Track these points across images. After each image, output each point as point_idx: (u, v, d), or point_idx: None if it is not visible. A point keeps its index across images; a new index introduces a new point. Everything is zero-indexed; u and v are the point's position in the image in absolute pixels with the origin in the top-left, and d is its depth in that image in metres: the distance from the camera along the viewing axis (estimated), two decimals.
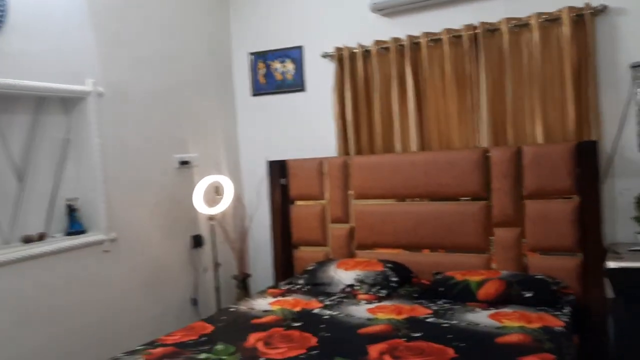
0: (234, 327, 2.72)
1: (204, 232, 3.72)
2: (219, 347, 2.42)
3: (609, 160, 3.05)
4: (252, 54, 4.08)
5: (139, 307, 3.27)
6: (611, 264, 2.64)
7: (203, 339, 2.54)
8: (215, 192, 3.64)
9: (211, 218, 3.60)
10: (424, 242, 3.35)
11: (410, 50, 3.46)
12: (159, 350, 2.41)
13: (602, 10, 3.00)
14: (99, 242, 3.04)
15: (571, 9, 3.01)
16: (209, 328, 2.69)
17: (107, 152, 3.10)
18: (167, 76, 3.56)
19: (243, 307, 3.02)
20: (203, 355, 2.32)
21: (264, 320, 2.75)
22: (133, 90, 3.31)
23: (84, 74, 3.01)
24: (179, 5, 3.71)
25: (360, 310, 2.80)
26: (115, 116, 3.18)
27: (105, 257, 3.08)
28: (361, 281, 3.14)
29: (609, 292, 2.69)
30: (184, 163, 3.61)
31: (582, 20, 3.02)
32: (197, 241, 3.70)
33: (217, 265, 3.60)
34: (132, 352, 2.41)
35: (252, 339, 2.48)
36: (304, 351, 2.29)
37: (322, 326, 2.60)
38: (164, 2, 3.59)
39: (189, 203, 3.54)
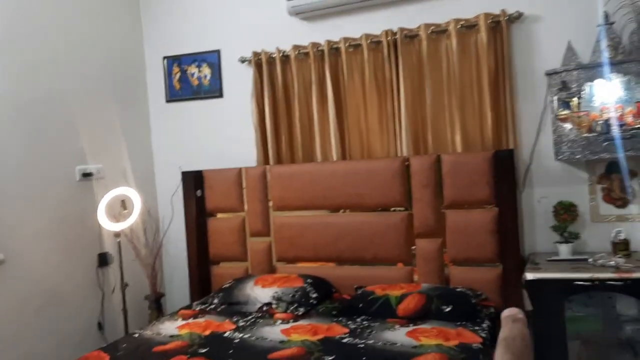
0: (133, 356, 2.47)
1: (111, 249, 3.43)
2: None
3: (526, 169, 3.02)
4: (166, 57, 3.84)
5: (32, 338, 2.93)
6: (529, 276, 2.59)
7: None
8: (122, 206, 3.36)
9: (117, 234, 3.32)
10: (345, 255, 3.22)
11: (329, 55, 3.33)
12: None
13: (517, 17, 2.97)
14: None
15: (487, 15, 2.97)
16: (105, 359, 2.43)
17: None
18: (67, 81, 3.26)
19: (149, 332, 2.77)
20: None
21: (168, 346, 2.51)
22: (23, 99, 2.98)
23: None
24: (82, 3, 3.42)
25: (274, 332, 2.62)
26: (1, 126, 2.86)
27: None
28: (279, 299, 2.96)
29: (527, 304, 2.63)
30: (87, 175, 3.31)
31: (498, 27, 2.98)
32: (103, 260, 3.40)
33: (124, 285, 3.32)
34: None
35: None
36: None
37: (230, 352, 2.39)
38: (65, 0, 3.29)
39: (93, 218, 3.25)
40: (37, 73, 3.08)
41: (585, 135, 2.75)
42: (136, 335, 2.73)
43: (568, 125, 2.80)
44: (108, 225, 3.23)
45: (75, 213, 3.24)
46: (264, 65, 3.48)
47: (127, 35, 3.80)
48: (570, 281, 2.54)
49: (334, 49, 3.34)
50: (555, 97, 2.83)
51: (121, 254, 3.31)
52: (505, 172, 2.84)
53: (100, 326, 3.34)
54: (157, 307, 3.55)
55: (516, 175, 2.93)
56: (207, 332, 2.66)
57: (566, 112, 2.81)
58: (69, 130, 3.27)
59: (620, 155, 2.71)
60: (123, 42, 3.76)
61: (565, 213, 2.88)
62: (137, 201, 3.34)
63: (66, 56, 3.28)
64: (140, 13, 3.90)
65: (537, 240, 3.02)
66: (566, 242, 2.83)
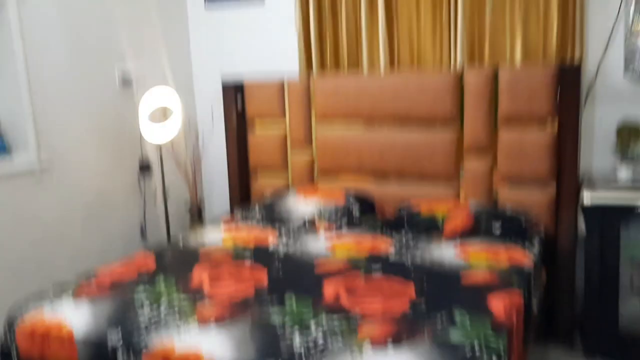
0: (179, 260, 2.49)
1: (152, 156, 3.40)
2: (161, 282, 2.19)
3: (590, 84, 2.81)
4: None
5: (78, 240, 2.99)
6: (586, 197, 2.46)
7: (144, 272, 2.31)
8: (164, 114, 3.29)
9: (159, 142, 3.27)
10: (390, 171, 3.12)
11: None
12: (93, 284, 2.17)
13: None
14: (28, 167, 2.71)
15: None
16: (152, 260, 2.45)
17: (33, 60, 2.71)
18: None
19: (192, 238, 2.78)
20: (141, 292, 2.09)
21: (213, 253, 2.52)
22: None
23: None
24: None
25: (318, 245, 2.59)
26: (42, 22, 2.75)
27: (37, 184, 2.76)
28: (321, 214, 2.92)
29: (582, 228, 2.53)
30: (127, 81, 3.23)
31: None
32: (145, 167, 3.39)
33: (166, 192, 3.32)
34: (61, 287, 2.16)
35: (198, 274, 2.25)
36: (253, 288, 2.08)
37: (275, 261, 2.39)
38: None
39: (134, 124, 3.20)
40: None
41: None
42: (180, 241, 2.75)
43: None
44: (149, 134, 3.16)
45: (116, 119, 3.19)
46: None
47: None
48: (630, 208, 2.41)
49: None
50: (633, 7, 2.57)
51: (162, 161, 3.28)
52: (569, 89, 2.64)
53: (142, 231, 3.39)
54: (197, 215, 3.56)
55: (580, 94, 2.73)
56: (252, 241, 2.66)
57: None
58: (111, 29, 3.15)
59: None
60: None
61: (630, 133, 2.69)
62: (178, 108, 3.25)
63: None
64: None
65: (594, 160, 2.87)
66: (627, 164, 2.67)
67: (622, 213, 2.44)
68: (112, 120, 3.17)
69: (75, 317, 1.90)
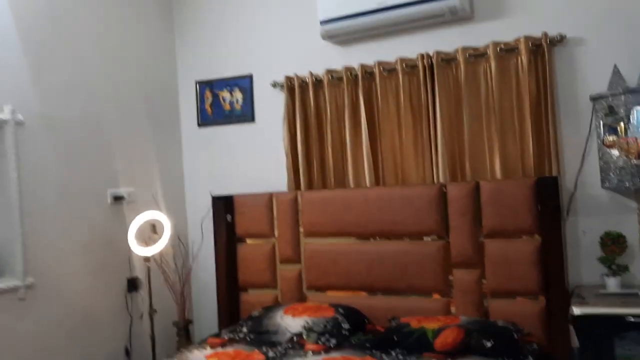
0: None
1: (141, 274, 3.38)
2: None
3: (571, 197, 2.88)
4: (198, 82, 3.84)
5: None
6: (576, 311, 2.43)
7: None
8: (152, 231, 3.32)
9: (147, 259, 3.27)
10: (378, 284, 3.10)
11: (363, 80, 3.28)
12: None
13: (560, 40, 2.88)
14: (13, 289, 2.69)
15: (528, 38, 2.88)
16: None
17: (27, 186, 2.79)
18: (101, 103, 3.29)
19: None
20: None
21: None
22: (60, 119, 3.01)
23: (1, 99, 2.72)
24: (118, 26, 3.46)
25: None
26: (37, 147, 2.88)
27: (21, 306, 2.73)
28: (310, 329, 2.85)
29: (574, 341, 2.47)
30: (118, 198, 3.30)
31: (540, 50, 2.88)
32: (133, 285, 3.36)
33: (152, 311, 3.26)
34: None
35: None
36: None
37: None
38: (102, 22, 3.33)
39: (124, 243, 3.22)
40: (72, 94, 3.11)
41: (635, 161, 2.60)
42: None
43: (615, 152, 2.66)
44: (138, 250, 3.19)
45: (106, 237, 3.22)
46: (296, 90, 3.45)
47: (161, 59, 3.82)
48: (621, 317, 2.38)
49: (368, 73, 3.28)
50: (602, 123, 2.71)
51: (150, 279, 3.27)
52: (549, 199, 2.71)
53: (127, 352, 3.28)
54: (185, 334, 3.47)
55: (560, 204, 2.79)
56: None
57: (613, 138, 2.68)
58: (102, 153, 3.28)
59: None
60: (157, 66, 3.78)
61: (614, 244, 2.72)
62: (167, 226, 3.30)
63: (101, 78, 3.31)
64: (174, 37, 3.93)
65: (582, 272, 2.87)
66: (614, 275, 2.67)
67: (614, 324, 2.39)
68: (100, 238, 3.20)
69: None
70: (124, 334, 3.30)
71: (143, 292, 3.37)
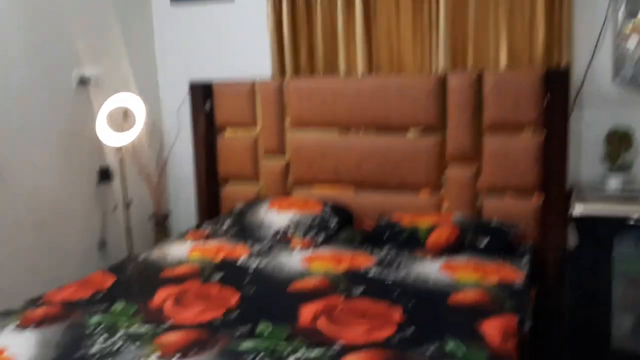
0: (140, 280, 2.28)
1: (113, 164, 3.15)
2: (118, 306, 1.97)
3: (578, 89, 2.68)
4: None
5: (30, 256, 2.72)
6: (578, 209, 2.33)
7: (100, 295, 2.09)
8: (125, 117, 3.04)
9: (120, 148, 3.03)
10: (368, 180, 2.94)
11: None
12: (42, 310, 1.94)
13: None
14: None
15: None
16: (110, 281, 2.23)
17: None
18: None
19: (155, 254, 2.55)
20: (95, 318, 1.87)
21: (177, 271, 2.30)
22: None
23: None
24: None
25: (293, 261, 2.40)
26: None
27: None
28: (296, 225, 2.72)
29: (572, 240, 2.39)
30: (84, 81, 2.98)
31: None
32: (105, 175, 3.14)
33: (128, 202, 3.07)
34: (6, 314, 1.92)
35: (160, 296, 2.04)
36: (221, 313, 1.88)
37: (246, 280, 2.18)
38: None
39: (93, 130, 2.95)
40: None
41: None
42: (142, 257, 2.52)
43: (634, 42, 2.44)
44: (109, 137, 2.93)
45: (73, 124, 2.94)
46: None
47: None
48: (623, 219, 2.29)
49: None
50: (622, 7, 2.45)
51: (124, 169, 3.04)
52: (558, 93, 2.51)
53: (102, 245, 3.13)
54: (162, 227, 3.33)
55: (568, 98, 2.60)
56: (220, 258, 2.45)
57: (631, 25, 2.44)
58: (64, 32, 2.89)
59: None
60: None
61: (620, 141, 2.58)
62: (141, 111, 3.02)
63: None
64: None
65: (582, 169, 2.75)
66: (618, 171, 2.55)
67: (615, 225, 2.30)
68: (68, 124, 2.92)
69: (21, 348, 1.67)
70: (97, 226, 3.13)
71: (116, 183, 3.16)
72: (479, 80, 2.66)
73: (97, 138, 2.96)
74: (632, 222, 2.27)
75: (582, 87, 2.68)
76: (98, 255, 3.10)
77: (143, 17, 3.46)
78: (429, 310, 1.88)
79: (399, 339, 1.66)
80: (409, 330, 1.71)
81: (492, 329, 1.70)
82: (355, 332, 1.71)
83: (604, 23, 2.60)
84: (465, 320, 1.77)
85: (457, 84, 2.71)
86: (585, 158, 2.73)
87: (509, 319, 1.79)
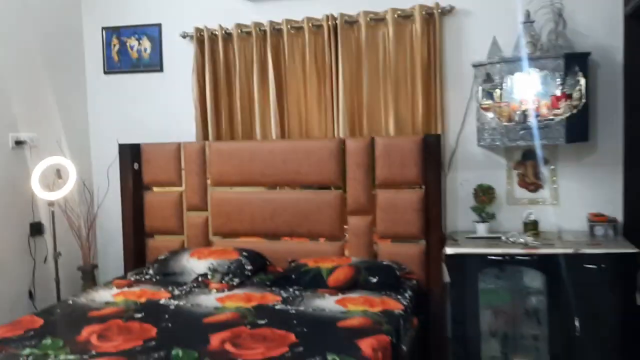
0: (67, 320, 2.51)
1: (45, 219, 3.39)
2: (47, 341, 2.21)
3: (452, 153, 3.24)
4: (105, 28, 3.79)
5: None
6: (448, 250, 2.82)
7: (30, 333, 2.31)
8: (57, 176, 3.33)
9: (51, 204, 3.29)
10: (281, 230, 3.34)
11: (271, 36, 3.42)
12: None
13: (449, 10, 3.18)
14: None
15: (422, 6, 3.16)
16: (39, 322, 2.45)
17: None
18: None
19: (83, 299, 2.80)
20: (27, 351, 2.10)
21: (103, 312, 2.56)
22: None
23: None
24: None
25: (209, 300, 2.72)
26: None
27: None
28: (214, 270, 3.05)
29: (446, 277, 2.86)
30: (20, 143, 3.26)
31: (432, 18, 3.17)
32: (36, 229, 3.37)
33: (57, 254, 3.30)
34: None
35: (86, 332, 2.29)
36: (140, 343, 2.16)
37: (166, 317, 2.48)
38: None
39: (27, 187, 3.21)
40: None
41: (505, 124, 2.98)
42: (70, 302, 2.76)
43: (490, 114, 3.03)
44: (42, 194, 3.19)
45: (7, 181, 3.19)
46: (205, 42, 3.52)
47: (64, 4, 3.71)
48: (484, 256, 2.79)
49: (276, 29, 3.43)
50: (480, 88, 3.05)
51: (54, 224, 3.29)
52: (432, 155, 3.04)
53: (31, 295, 3.31)
54: (90, 278, 3.55)
55: (442, 159, 3.15)
56: (143, 299, 2.73)
57: (489, 102, 3.04)
58: (2, 97, 3.19)
59: (535, 143, 2.97)
60: (59, 9, 3.67)
61: (484, 195, 3.13)
62: (72, 171, 3.32)
63: (4, 21, 3.20)
64: None
65: (458, 219, 3.27)
66: (483, 221, 3.09)
67: (478, 262, 2.80)
68: (3, 182, 3.16)
69: None
70: (28, 277, 3.32)
71: (47, 237, 3.39)
72: (371, 144, 3.17)
73: (31, 195, 3.22)
74: (492, 258, 2.77)
75: (455, 151, 3.24)
76: (28, 304, 3.27)
77: (78, 85, 3.81)
78: (320, 333, 2.25)
79: (289, 355, 2.01)
80: (298, 348, 2.07)
81: (367, 344, 2.08)
82: (255, 352, 2.04)
83: (469, 99, 3.20)
84: (347, 339, 2.15)
85: (354, 147, 3.20)
86: (461, 210, 3.26)
87: (383, 338, 2.18)
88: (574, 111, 2.84)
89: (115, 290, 2.91)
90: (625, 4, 2.93)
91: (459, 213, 3.27)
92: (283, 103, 3.47)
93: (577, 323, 2.70)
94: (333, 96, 3.36)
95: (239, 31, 3.47)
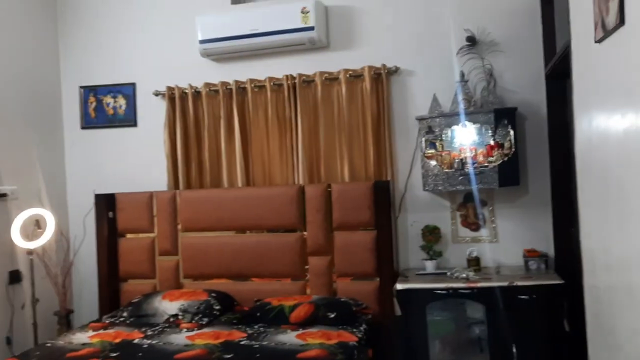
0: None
1: (23, 267, 3.59)
2: None
3: (401, 197, 3.58)
4: (82, 87, 4.09)
5: None
6: (398, 286, 3.12)
7: None
8: (36, 226, 3.55)
9: (30, 252, 3.50)
10: (246, 271, 3.60)
11: (237, 94, 3.77)
12: None
13: (395, 70, 3.57)
14: None
15: (371, 67, 3.54)
16: None
17: None
18: None
19: (60, 342, 3.00)
20: None
21: (80, 352, 2.77)
22: None
23: None
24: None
25: (179, 338, 2.95)
26: None
27: None
28: (185, 310, 3.28)
29: (397, 310, 3.14)
30: (1, 195, 3.49)
31: (380, 78, 3.56)
32: (15, 277, 3.56)
33: (35, 300, 3.49)
34: None
35: None
36: None
37: (139, 354, 2.70)
38: None
39: (6, 237, 3.42)
40: None
41: (446, 170, 3.33)
42: (48, 344, 2.96)
43: (433, 162, 3.38)
44: (21, 243, 3.41)
45: None
46: (176, 100, 3.85)
47: (43, 62, 4.01)
48: (430, 290, 3.10)
49: (241, 88, 3.78)
50: (424, 139, 3.42)
51: (33, 272, 3.49)
52: (382, 199, 3.38)
53: (9, 340, 3.48)
54: (66, 322, 3.72)
55: (393, 202, 3.49)
56: (118, 340, 2.94)
57: (432, 151, 3.39)
58: None
59: (473, 187, 3.33)
60: (39, 69, 3.97)
61: (431, 235, 3.46)
62: (50, 221, 3.55)
63: None
64: (58, 42, 4.13)
65: (410, 257, 3.58)
66: (431, 259, 3.41)
67: (425, 294, 3.10)
68: None
69: None
70: (5, 324, 3.49)
71: (25, 284, 3.58)
72: (328, 190, 3.49)
73: (10, 244, 3.43)
74: (438, 292, 3.08)
75: (404, 195, 3.59)
76: (6, 350, 3.43)
77: (56, 139, 4.08)
78: None
79: None
80: None
81: None
82: None
83: (415, 149, 3.57)
84: None
85: (312, 193, 3.51)
86: (412, 249, 3.58)
87: None
88: (505, 159, 3.22)
89: (91, 333, 3.12)
90: (545, 65, 3.36)
91: (410, 251, 3.59)
92: (248, 153, 3.79)
93: (514, 349, 3.00)
94: (293, 147, 3.70)
95: (208, 90, 3.80)
